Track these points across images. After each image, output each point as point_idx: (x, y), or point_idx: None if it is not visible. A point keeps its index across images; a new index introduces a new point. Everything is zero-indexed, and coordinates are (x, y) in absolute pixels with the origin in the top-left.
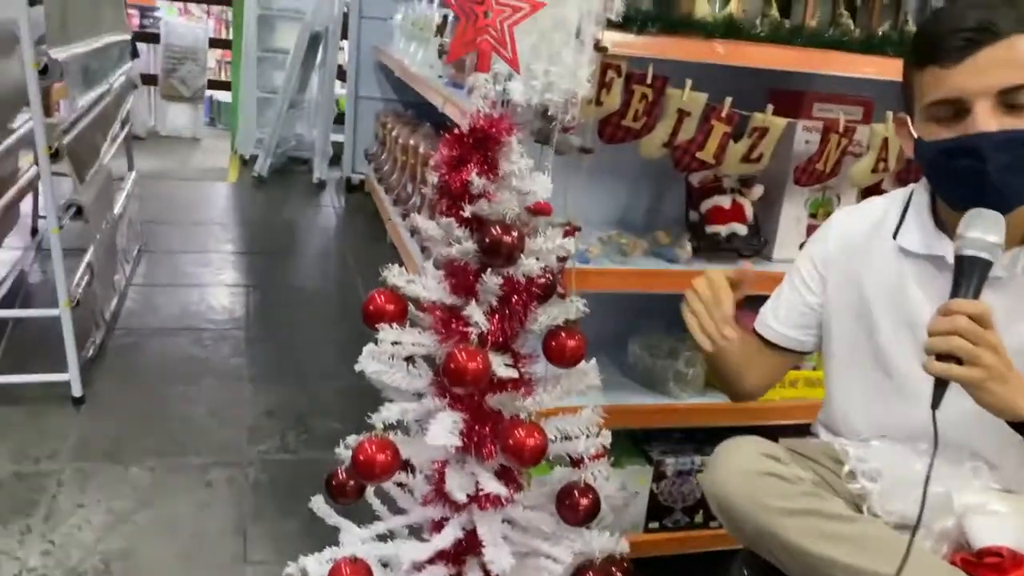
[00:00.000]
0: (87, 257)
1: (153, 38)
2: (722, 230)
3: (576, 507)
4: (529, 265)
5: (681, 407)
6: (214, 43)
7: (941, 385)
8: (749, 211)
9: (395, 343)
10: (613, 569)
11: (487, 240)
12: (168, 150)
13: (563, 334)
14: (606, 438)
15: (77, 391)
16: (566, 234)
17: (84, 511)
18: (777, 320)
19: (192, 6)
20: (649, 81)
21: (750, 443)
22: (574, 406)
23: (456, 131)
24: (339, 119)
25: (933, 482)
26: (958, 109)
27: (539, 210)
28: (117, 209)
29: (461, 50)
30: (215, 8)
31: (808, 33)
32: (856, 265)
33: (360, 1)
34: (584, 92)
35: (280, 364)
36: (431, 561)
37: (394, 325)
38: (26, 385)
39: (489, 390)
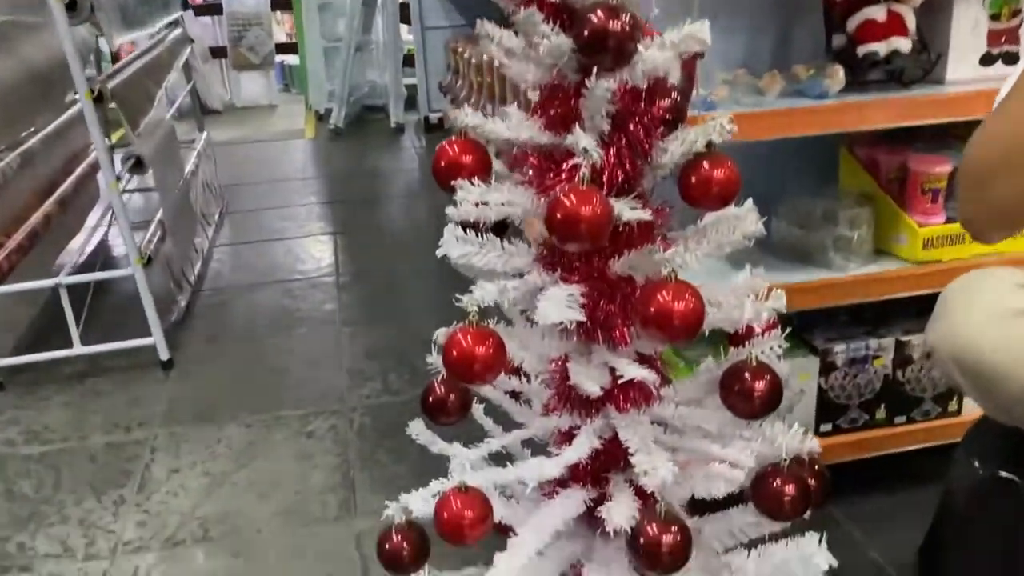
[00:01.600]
0: (157, 215)
1: (216, 9)
2: (880, 48)
3: (750, 393)
4: (651, 59)
5: (846, 280)
6: (276, 4)
7: None
8: (911, 21)
9: (479, 204)
10: (805, 474)
11: (586, 29)
12: (245, 119)
13: (706, 163)
14: (780, 300)
15: (164, 355)
16: (685, 64)
17: (179, 476)
18: None
19: None
20: None
21: (993, 275)
22: None
23: None
24: (410, 61)
25: None
26: None
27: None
28: (188, 168)
29: None
30: None
31: None
32: None
33: None
34: None
35: (376, 306)
36: (563, 483)
37: (475, 181)
38: (112, 353)
39: (613, 251)
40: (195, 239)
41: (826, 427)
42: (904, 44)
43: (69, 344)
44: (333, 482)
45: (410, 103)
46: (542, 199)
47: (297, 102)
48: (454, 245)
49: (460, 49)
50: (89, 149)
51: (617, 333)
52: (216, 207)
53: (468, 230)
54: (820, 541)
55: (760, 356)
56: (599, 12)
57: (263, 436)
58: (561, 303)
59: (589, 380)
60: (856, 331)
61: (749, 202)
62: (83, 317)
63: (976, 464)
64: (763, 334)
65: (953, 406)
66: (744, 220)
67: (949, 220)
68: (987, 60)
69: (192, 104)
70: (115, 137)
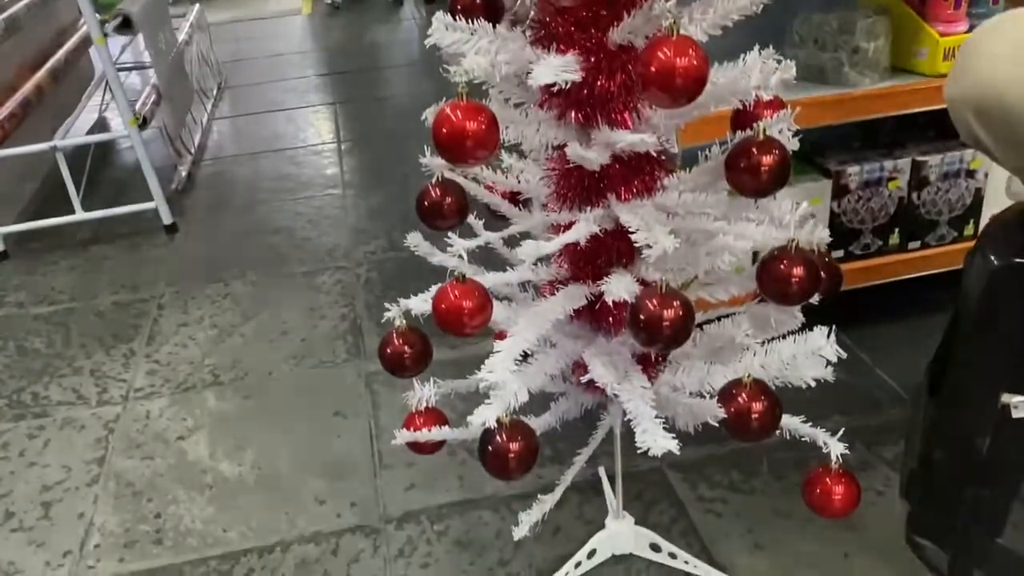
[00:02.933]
0: (151, 80)
1: None
2: None
3: (756, 168)
4: None
5: (862, 95)
6: None
7: None
8: None
9: None
10: (814, 257)
11: None
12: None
13: None
14: (789, 69)
15: (167, 218)
16: None
17: (187, 329)
18: None
19: None
20: None
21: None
22: None
23: None
24: None
25: None
26: None
27: None
28: (181, 38)
29: None
30: None
31: None
32: None
33: None
34: None
35: (379, 170)
36: (564, 282)
37: None
38: (115, 219)
39: (611, 17)
40: (193, 109)
41: (838, 253)
42: None
43: (71, 211)
44: (341, 330)
45: None
46: None
47: None
48: (443, 33)
49: None
50: (78, 24)
51: (616, 116)
52: (214, 81)
53: (458, 16)
54: (829, 334)
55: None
56: None
57: (270, 291)
58: (556, 67)
59: (588, 156)
60: (870, 153)
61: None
62: (83, 184)
63: (992, 257)
64: (772, 114)
65: (969, 230)
66: None
67: (972, 28)
68: None
69: None
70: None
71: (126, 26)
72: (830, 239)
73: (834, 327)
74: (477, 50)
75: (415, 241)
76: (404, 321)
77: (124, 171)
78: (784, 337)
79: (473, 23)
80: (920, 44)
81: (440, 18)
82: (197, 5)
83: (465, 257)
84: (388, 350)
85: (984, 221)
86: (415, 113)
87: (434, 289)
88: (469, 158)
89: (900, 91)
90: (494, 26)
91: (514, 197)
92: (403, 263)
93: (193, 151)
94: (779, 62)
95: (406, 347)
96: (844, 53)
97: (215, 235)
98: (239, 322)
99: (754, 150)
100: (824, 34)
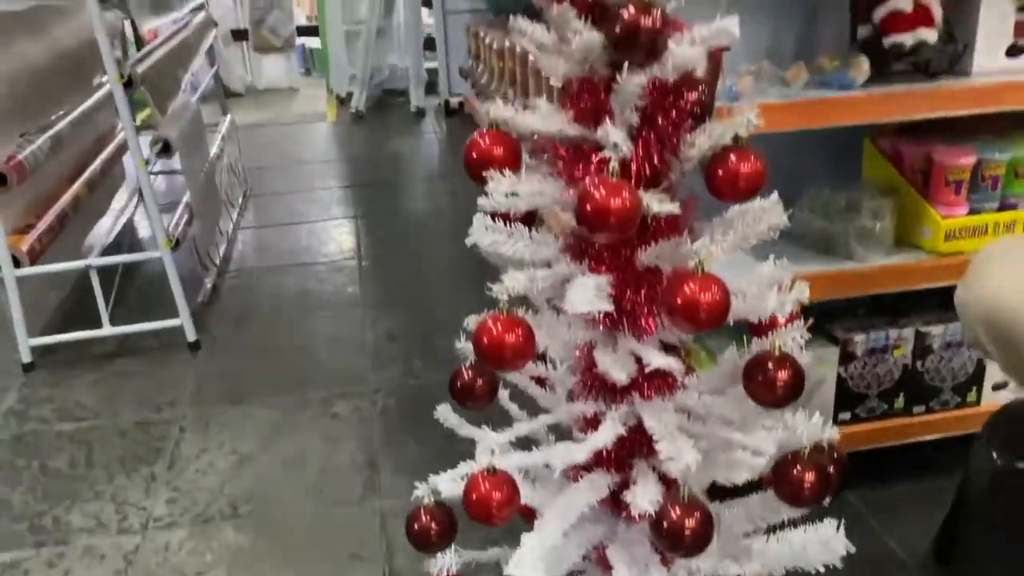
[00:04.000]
0: (184, 198)
1: None
2: (906, 39)
3: (772, 383)
4: (682, 54)
5: (868, 271)
6: None
7: None
8: (938, 12)
9: (510, 195)
10: (824, 461)
11: (618, 25)
12: (267, 103)
13: (732, 156)
14: (803, 292)
15: (191, 335)
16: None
17: (208, 455)
18: None
19: None
20: None
21: None
22: None
23: None
24: (430, 44)
25: None
26: None
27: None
28: (213, 151)
29: None
30: None
31: None
32: None
33: None
34: None
35: (398, 289)
36: (588, 468)
37: (506, 172)
38: (141, 334)
39: (641, 241)
40: (220, 221)
41: (845, 415)
42: (931, 35)
43: (99, 324)
44: (358, 462)
45: (430, 87)
46: (571, 190)
47: (318, 85)
48: (483, 233)
49: (481, 34)
50: (116, 131)
51: (643, 322)
52: (240, 190)
53: (497, 219)
54: (838, 527)
55: (783, 346)
56: (631, 8)
57: (288, 417)
58: (590, 292)
59: (616, 368)
60: (876, 321)
61: (775, 195)
62: (111, 298)
63: (994, 454)
64: (786, 324)
65: (972, 396)
66: (770, 212)
67: (972, 212)
68: (1014, 51)
69: (216, 87)
70: (140, 118)
71: (166, 150)
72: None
73: (843, 521)
74: (514, 253)
75: (444, 414)
76: (431, 498)
77: (151, 282)
78: (795, 524)
79: (511, 226)
80: (923, 223)
81: (480, 219)
82: (228, 117)
83: (497, 451)
84: (415, 526)
85: (987, 388)
86: (434, 231)
87: (462, 468)
88: (508, 367)
89: (904, 268)
90: (530, 231)
91: (541, 380)
92: (420, 392)
93: (218, 263)
94: (793, 281)
95: (433, 524)
96: (851, 229)
97: (237, 353)
98: (258, 449)
99: (770, 365)
100: (832, 210)
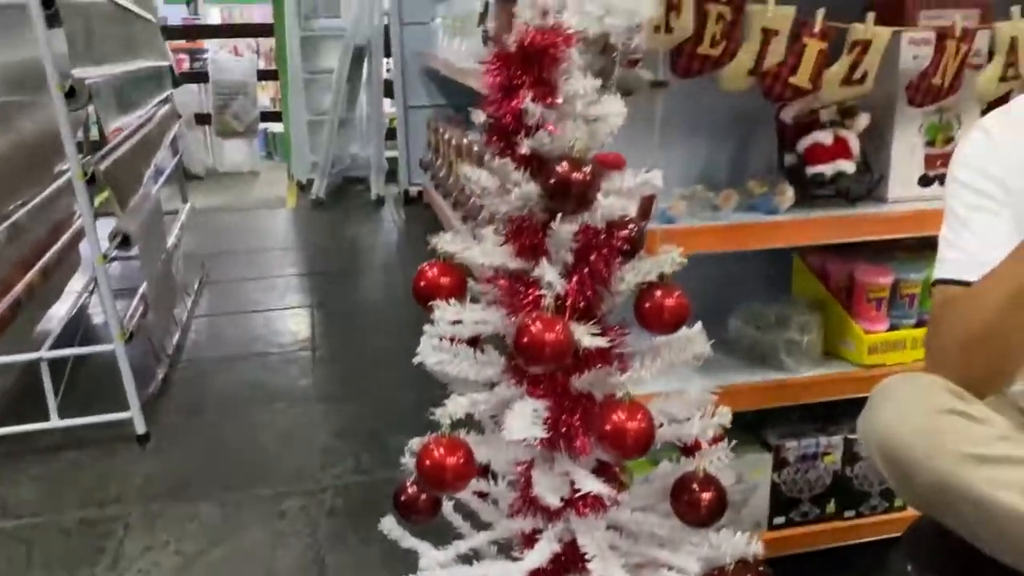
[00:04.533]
0: (140, 290)
1: (202, 77)
2: (826, 170)
3: (697, 503)
4: (609, 206)
5: (797, 381)
6: (263, 75)
7: None
8: (855, 145)
9: (455, 322)
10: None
11: (552, 179)
12: (227, 186)
13: (658, 292)
14: (725, 416)
15: (141, 428)
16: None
17: (152, 554)
18: (994, 251)
19: (242, 45)
20: None
21: (927, 378)
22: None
23: (503, 51)
24: (392, 134)
25: None
26: None
27: (610, 162)
28: (171, 241)
29: None
30: (265, 43)
31: None
32: (1021, 177)
33: (400, 8)
34: (650, 13)
35: (350, 382)
36: None
37: (451, 301)
38: (90, 426)
39: (574, 369)
40: (175, 310)
41: (779, 520)
42: (849, 166)
43: (46, 416)
44: (305, 563)
45: (391, 176)
46: (512, 318)
47: (279, 169)
48: (431, 353)
49: (441, 129)
50: (74, 217)
51: (578, 443)
52: (196, 277)
53: (444, 339)
54: None
55: (708, 467)
56: (564, 164)
57: (236, 515)
58: (527, 419)
59: (550, 492)
60: (807, 428)
61: (698, 325)
62: (61, 389)
63: (909, 568)
64: (710, 445)
65: (899, 501)
66: (694, 341)
67: (892, 327)
68: (925, 181)
69: (177, 174)
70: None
71: (125, 243)
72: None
73: None
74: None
75: (388, 526)
76: None
77: (102, 372)
78: None
79: (456, 347)
80: (848, 337)
81: (428, 339)
82: (188, 204)
83: (438, 567)
84: None
85: None
86: (390, 321)
87: None
88: (449, 489)
89: (832, 379)
90: (475, 352)
91: (484, 494)
92: (369, 490)
93: (171, 352)
94: (717, 405)
95: None
96: (781, 342)
97: (186, 447)
98: (204, 548)
99: (695, 486)
100: (764, 323)
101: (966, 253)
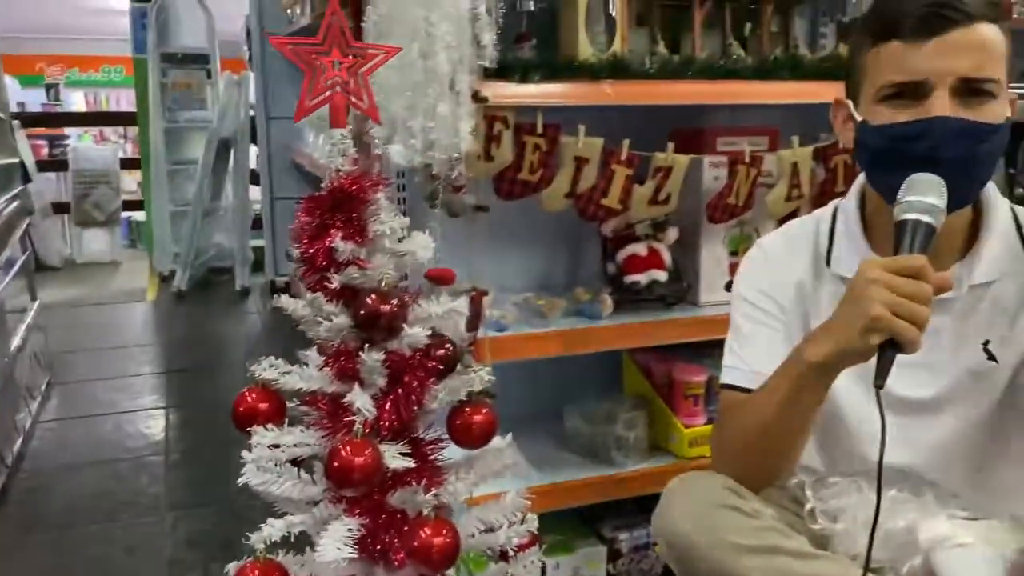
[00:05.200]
0: None
1: (62, 165)
2: (641, 279)
3: None
4: (414, 335)
5: (627, 475)
6: (126, 164)
7: (884, 359)
8: (667, 256)
9: (273, 447)
10: None
11: (361, 312)
12: (85, 277)
13: (467, 410)
14: (532, 523)
15: None
16: (473, 300)
17: None
18: (770, 363)
19: (108, 131)
20: (540, 130)
21: (708, 476)
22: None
23: (314, 195)
24: (258, 223)
25: (895, 517)
26: (916, 92)
27: (440, 277)
28: (15, 343)
29: (309, 108)
30: (132, 130)
31: (699, 66)
32: (793, 293)
33: (265, 103)
34: (468, 147)
35: (204, 488)
36: None
37: (270, 426)
38: None
39: (388, 487)
40: (17, 415)
41: None
42: (661, 275)
43: None
44: None
45: (257, 266)
46: (328, 440)
47: (142, 259)
48: (255, 473)
49: None
50: None
51: (396, 559)
52: (43, 378)
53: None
54: None
55: (520, 572)
56: (373, 297)
57: None
58: (338, 540)
59: None
60: (640, 519)
61: (509, 437)
62: None
63: None
64: (521, 551)
65: None
66: (503, 453)
67: (709, 421)
68: (730, 287)
69: (26, 269)
70: None
71: None
72: None
73: None
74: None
75: None
76: None
77: None
78: None
79: (279, 468)
80: (671, 431)
81: (254, 459)
82: (37, 303)
83: None
84: None
85: None
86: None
87: None
88: None
89: (658, 472)
90: (299, 471)
91: None
92: None
93: (10, 462)
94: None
95: None
96: (610, 438)
97: (26, 567)
98: None
99: None
100: (595, 420)
101: (746, 363)
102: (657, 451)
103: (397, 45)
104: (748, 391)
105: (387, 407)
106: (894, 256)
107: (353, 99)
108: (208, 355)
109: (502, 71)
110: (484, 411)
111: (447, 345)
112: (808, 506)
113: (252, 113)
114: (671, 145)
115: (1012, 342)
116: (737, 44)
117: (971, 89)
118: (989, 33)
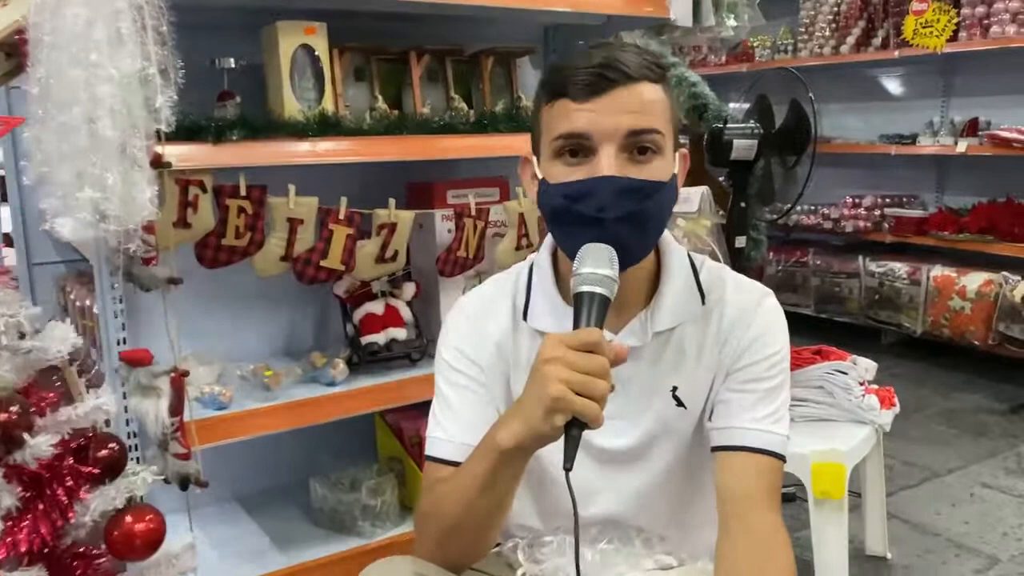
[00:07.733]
0: None
1: None
2: (379, 338)
3: None
4: (38, 446)
5: (376, 546)
6: None
7: (571, 440)
8: (406, 312)
9: None
10: None
11: None
12: None
13: (127, 518)
14: None
15: None
16: (173, 382)
17: None
18: (474, 432)
19: None
20: (244, 192)
21: (400, 562)
22: None
23: None
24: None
25: (605, 572)
26: (585, 150)
27: (135, 359)
28: None
29: None
30: None
31: (415, 122)
32: (493, 350)
33: (16, 162)
34: (150, 216)
35: None
36: None
37: None
38: None
39: None
40: None
41: None
42: (400, 333)
43: None
44: None
45: None
46: None
47: None
48: None
49: (68, 289)
50: None
51: None
52: None
53: None
54: None
55: None
56: None
57: None
58: None
59: None
60: None
61: (189, 538)
62: None
63: None
64: None
65: None
66: (182, 558)
67: None
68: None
69: None
70: None
71: None
72: None
73: None
74: None
75: None
76: None
77: None
78: None
79: None
80: None
81: None
82: None
83: None
84: None
85: None
86: None
87: None
88: None
89: (408, 539)
90: None
91: None
92: None
93: None
94: None
95: None
96: (356, 507)
97: None
98: None
99: None
100: (341, 488)
101: (450, 435)
102: (411, 514)
103: (56, 109)
104: (454, 464)
105: (24, 529)
106: (574, 330)
107: None
108: None
109: (194, 132)
110: (148, 517)
111: (110, 445)
112: (520, 571)
113: (1, 172)
114: (392, 201)
115: (696, 386)
116: (459, 98)
117: (637, 146)
118: (650, 92)
